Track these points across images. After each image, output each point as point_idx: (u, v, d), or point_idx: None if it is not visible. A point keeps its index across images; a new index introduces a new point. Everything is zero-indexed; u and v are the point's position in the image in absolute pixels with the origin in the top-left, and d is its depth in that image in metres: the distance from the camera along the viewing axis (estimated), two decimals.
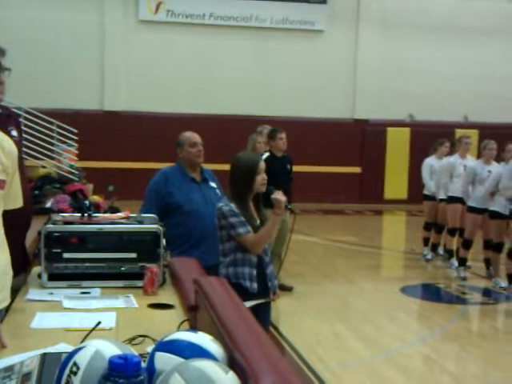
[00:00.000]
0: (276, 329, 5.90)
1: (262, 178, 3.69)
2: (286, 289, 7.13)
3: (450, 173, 8.54)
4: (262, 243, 3.66)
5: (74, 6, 14.18)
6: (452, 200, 8.49)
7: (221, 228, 3.69)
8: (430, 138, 10.39)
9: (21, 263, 3.05)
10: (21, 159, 2.78)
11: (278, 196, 3.63)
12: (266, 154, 6.98)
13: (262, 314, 3.48)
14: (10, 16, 13.61)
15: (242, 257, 3.66)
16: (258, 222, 3.72)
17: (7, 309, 2.66)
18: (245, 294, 3.24)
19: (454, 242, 8.79)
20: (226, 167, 3.83)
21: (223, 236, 3.70)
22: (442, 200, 8.82)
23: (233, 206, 3.64)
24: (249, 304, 3.30)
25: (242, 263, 3.66)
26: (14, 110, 4.77)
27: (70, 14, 14.10)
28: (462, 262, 8.20)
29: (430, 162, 9.27)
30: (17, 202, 2.76)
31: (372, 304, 7.10)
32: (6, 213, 2.66)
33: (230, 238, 3.67)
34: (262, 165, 3.73)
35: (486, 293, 7.74)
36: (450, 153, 9.08)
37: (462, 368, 5.28)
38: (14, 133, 3.20)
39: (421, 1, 15.77)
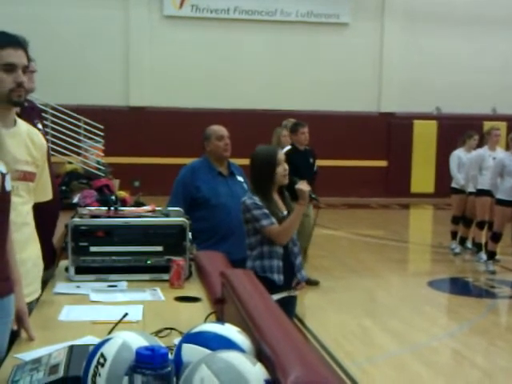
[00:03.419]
0: (302, 323, 5.87)
1: (283, 170, 3.64)
2: (312, 283, 7.09)
3: (479, 165, 8.42)
4: (288, 233, 3.62)
5: (99, 2, 14.27)
6: (481, 193, 8.37)
7: (246, 222, 3.68)
8: (458, 130, 10.27)
9: (50, 257, 3.07)
10: (47, 152, 2.79)
11: (302, 186, 3.58)
12: (288, 147, 6.95)
13: (287, 307, 3.46)
14: (36, 13, 13.71)
15: (269, 249, 3.64)
16: (285, 213, 3.68)
17: (37, 301, 2.68)
18: (272, 287, 3.23)
19: (483, 236, 8.68)
20: None
21: (249, 230, 3.68)
22: (471, 193, 8.71)
23: (256, 198, 3.61)
24: (275, 297, 3.29)
25: (269, 256, 3.63)
26: (38, 105, 4.78)
27: (95, 10, 14.19)
28: (491, 256, 8.09)
29: (458, 154, 9.15)
30: (46, 194, 2.78)
31: (399, 298, 7.04)
32: (36, 206, 2.68)
33: (256, 232, 3.64)
34: (281, 156, 3.68)
35: None
36: (479, 145, 8.96)
37: (491, 362, 5.20)
38: (40, 126, 3.21)
39: None
